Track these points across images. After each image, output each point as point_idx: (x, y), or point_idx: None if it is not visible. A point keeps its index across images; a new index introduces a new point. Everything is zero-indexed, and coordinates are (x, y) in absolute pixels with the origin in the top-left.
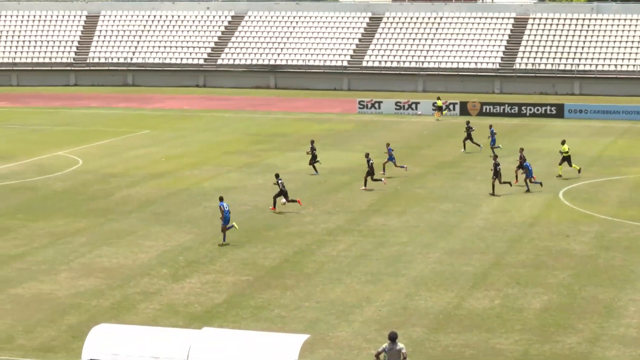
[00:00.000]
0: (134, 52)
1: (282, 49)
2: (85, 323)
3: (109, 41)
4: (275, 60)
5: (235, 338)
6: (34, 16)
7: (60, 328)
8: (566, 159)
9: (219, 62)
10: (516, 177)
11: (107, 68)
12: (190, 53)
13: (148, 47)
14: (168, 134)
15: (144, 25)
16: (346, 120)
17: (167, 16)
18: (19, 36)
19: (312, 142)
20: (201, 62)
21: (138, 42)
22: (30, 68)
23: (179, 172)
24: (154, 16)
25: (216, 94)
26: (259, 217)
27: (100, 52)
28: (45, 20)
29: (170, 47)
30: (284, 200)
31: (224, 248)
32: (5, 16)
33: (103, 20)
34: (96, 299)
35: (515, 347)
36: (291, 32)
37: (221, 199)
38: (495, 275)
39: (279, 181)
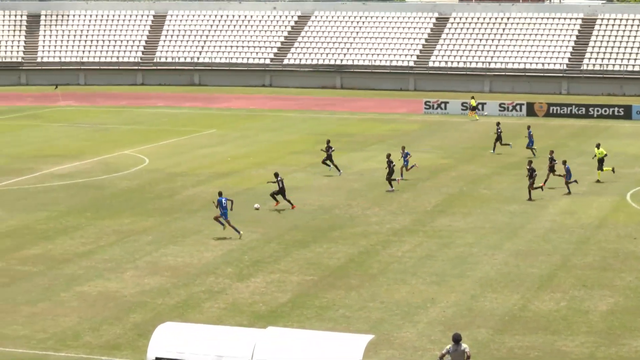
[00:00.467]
0: (200, 52)
1: (348, 49)
2: (150, 321)
3: (175, 41)
4: (342, 60)
5: (299, 338)
6: (102, 16)
7: (126, 326)
8: (600, 161)
9: (285, 62)
10: (546, 179)
11: (174, 67)
12: (257, 53)
13: (215, 46)
14: (234, 133)
15: (211, 25)
16: (412, 120)
17: (233, 16)
18: (86, 36)
19: (328, 141)
20: (267, 62)
21: (205, 41)
22: (98, 67)
23: (245, 171)
24: (221, 16)
25: (282, 93)
26: (324, 217)
27: (167, 51)
28: (112, 20)
29: (237, 46)
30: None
31: (289, 248)
32: (74, 16)
33: (170, 20)
34: (162, 297)
35: (581, 350)
36: (357, 32)
37: (220, 194)
38: (561, 277)
39: (278, 180)
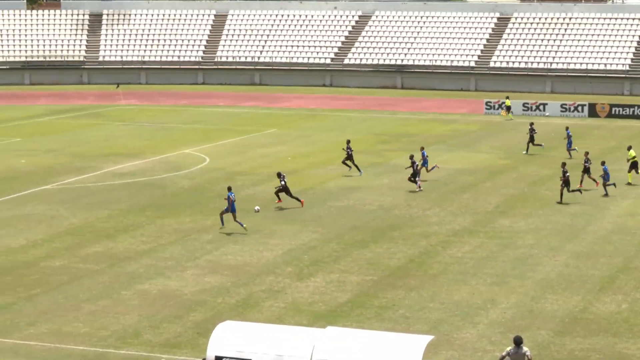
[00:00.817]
0: (261, 51)
1: (409, 49)
2: (210, 320)
3: (236, 40)
4: (402, 60)
5: (359, 338)
6: (163, 15)
7: (186, 324)
8: (634, 165)
9: (346, 61)
10: (581, 181)
11: (234, 67)
12: (317, 52)
13: (275, 46)
14: (294, 133)
15: (272, 25)
16: (472, 121)
17: (294, 16)
18: (148, 35)
19: (348, 141)
20: (328, 61)
21: (265, 41)
22: (159, 66)
23: (305, 171)
24: (282, 15)
25: (342, 93)
26: (384, 217)
27: (228, 51)
28: (174, 19)
29: (298, 46)
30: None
31: (349, 247)
32: (135, 15)
33: (231, 20)
34: (221, 296)
35: None
36: (418, 32)
37: (229, 189)
38: (623, 279)
39: (282, 180)
